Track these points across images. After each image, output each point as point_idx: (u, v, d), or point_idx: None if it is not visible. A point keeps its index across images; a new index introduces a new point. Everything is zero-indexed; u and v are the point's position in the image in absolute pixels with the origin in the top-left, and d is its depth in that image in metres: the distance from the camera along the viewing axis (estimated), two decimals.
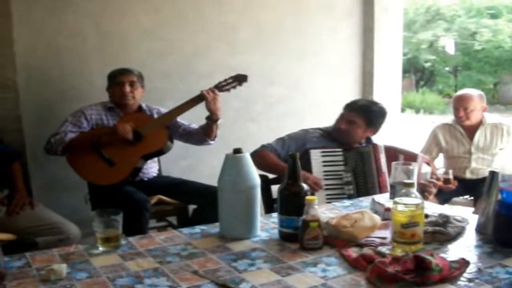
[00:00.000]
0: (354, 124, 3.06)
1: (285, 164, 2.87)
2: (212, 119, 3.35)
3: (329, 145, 3.02)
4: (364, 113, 3.08)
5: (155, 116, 3.45)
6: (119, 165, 3.22)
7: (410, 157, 2.94)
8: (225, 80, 3.41)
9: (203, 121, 3.41)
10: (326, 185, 2.87)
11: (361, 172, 2.94)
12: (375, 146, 3.00)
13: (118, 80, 3.32)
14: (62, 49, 3.69)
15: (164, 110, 3.50)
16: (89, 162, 3.20)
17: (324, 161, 2.93)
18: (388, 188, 2.80)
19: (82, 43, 3.75)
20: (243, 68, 4.18)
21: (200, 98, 3.31)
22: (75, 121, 3.25)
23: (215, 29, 4.22)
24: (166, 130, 3.36)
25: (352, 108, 3.12)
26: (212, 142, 3.50)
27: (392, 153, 2.98)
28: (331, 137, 3.13)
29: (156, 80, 3.94)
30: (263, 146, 3.08)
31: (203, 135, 3.44)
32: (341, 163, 2.94)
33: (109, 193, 3.16)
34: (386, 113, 3.18)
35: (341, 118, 3.13)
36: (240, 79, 3.43)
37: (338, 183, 2.92)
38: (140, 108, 3.45)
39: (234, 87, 3.43)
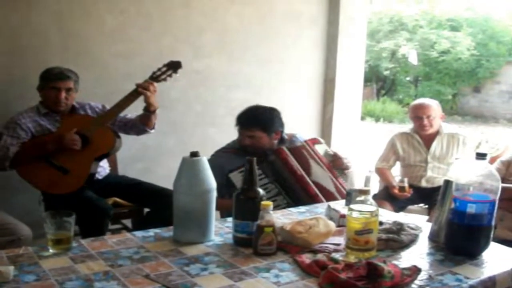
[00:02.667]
0: (256, 137, 2.97)
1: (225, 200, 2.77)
2: (150, 110, 3.25)
3: (243, 162, 2.88)
4: (258, 124, 2.97)
5: (89, 112, 3.35)
6: (74, 171, 3.11)
7: (305, 148, 2.96)
8: (159, 69, 3.27)
9: (139, 111, 3.34)
10: None
11: (282, 180, 2.85)
12: (277, 152, 2.90)
13: (54, 85, 3.16)
14: (24, 47, 3.60)
15: (94, 104, 3.40)
16: (42, 172, 3.09)
17: None
18: (313, 187, 2.82)
19: (45, 42, 3.66)
20: (207, 72, 4.18)
21: (138, 92, 3.18)
22: (11, 133, 3.10)
23: (180, 32, 4.19)
24: (111, 129, 3.27)
25: (245, 124, 3.01)
26: (152, 131, 3.41)
27: (298, 151, 2.93)
28: (243, 151, 2.97)
29: (119, 81, 3.88)
30: None
31: (141, 125, 3.34)
32: (262, 176, 2.83)
33: (65, 196, 3.06)
34: (277, 112, 3.08)
35: (241, 134, 3.04)
36: (174, 66, 3.28)
37: (269, 196, 2.77)
38: (73, 108, 3.31)
39: (170, 75, 3.28)
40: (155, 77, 3.25)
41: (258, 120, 2.99)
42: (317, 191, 2.83)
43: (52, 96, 3.18)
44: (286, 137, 3.15)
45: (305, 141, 3.02)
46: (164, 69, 3.28)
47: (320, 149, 3.03)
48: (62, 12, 3.69)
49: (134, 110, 3.35)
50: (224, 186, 2.86)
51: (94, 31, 3.83)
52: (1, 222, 2.79)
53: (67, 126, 3.15)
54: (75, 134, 3.07)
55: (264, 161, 2.87)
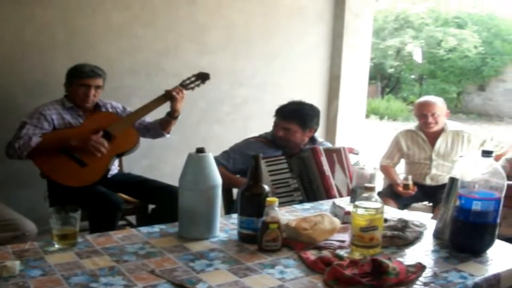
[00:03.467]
0: (291, 131, 3.03)
1: (238, 177, 2.94)
2: (173, 116, 3.36)
3: (273, 153, 2.96)
4: (297, 118, 3.03)
5: (110, 111, 3.40)
6: (92, 165, 3.14)
7: (339, 153, 2.98)
8: (189, 79, 3.40)
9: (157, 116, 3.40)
10: (276, 194, 2.74)
11: (306, 177, 2.87)
12: (314, 150, 2.91)
13: (85, 82, 3.20)
14: (29, 42, 3.61)
15: (115, 103, 3.45)
16: (59, 164, 3.11)
17: (269, 171, 2.85)
18: (335, 189, 2.84)
19: (50, 37, 3.67)
20: (211, 68, 4.15)
21: (167, 97, 3.30)
22: (35, 123, 3.12)
23: (185, 29, 4.20)
24: (135, 129, 3.34)
25: (283, 115, 3.06)
26: (168, 135, 3.52)
27: (329, 154, 2.96)
28: (274, 144, 3.09)
29: (123, 77, 3.90)
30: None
31: (160, 129, 3.44)
32: (287, 170, 2.87)
33: (71, 191, 3.09)
34: (318, 111, 3.15)
35: (276, 126, 3.09)
36: (203, 77, 3.43)
37: (286, 190, 2.84)
38: (97, 105, 3.35)
39: (198, 85, 3.42)
40: (184, 85, 3.39)
41: (298, 114, 3.04)
42: (337, 194, 2.84)
43: (81, 93, 3.22)
44: (318, 139, 3.22)
45: (343, 147, 3.04)
46: (193, 78, 3.42)
47: (353, 159, 3.06)
48: (68, 8, 3.70)
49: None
50: (246, 171, 2.89)
51: (99, 26, 3.84)
52: (6, 217, 2.79)
53: (91, 122, 3.22)
54: (101, 137, 3.13)
55: (293, 156, 2.92)
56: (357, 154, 3.15)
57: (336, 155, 2.95)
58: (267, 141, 3.12)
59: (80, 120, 3.25)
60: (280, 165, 2.88)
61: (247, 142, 3.13)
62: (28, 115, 3.17)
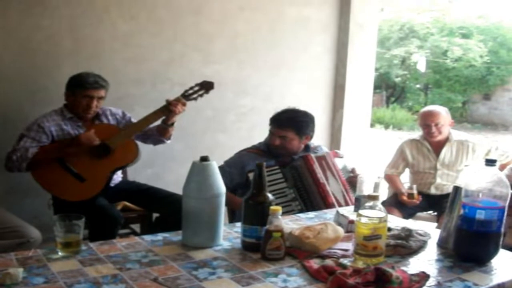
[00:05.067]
0: (287, 139, 2.98)
1: (236, 198, 2.86)
2: (167, 123, 3.30)
3: (268, 163, 2.84)
4: (293, 126, 2.99)
5: (110, 118, 3.33)
6: (90, 180, 3.10)
7: (325, 159, 2.95)
8: (191, 88, 3.29)
9: None
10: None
11: (302, 187, 2.84)
12: (306, 158, 2.88)
13: (88, 93, 3.14)
14: (36, 51, 3.63)
15: (115, 110, 3.39)
16: (58, 178, 3.08)
17: None
18: (332, 197, 2.82)
19: (57, 46, 3.70)
20: (217, 78, 4.16)
21: (168, 109, 3.20)
22: (33, 136, 3.09)
23: (191, 38, 4.21)
24: (134, 141, 3.26)
25: (279, 124, 3.01)
26: (168, 141, 3.46)
27: (320, 161, 2.92)
28: (268, 153, 3.04)
29: (128, 86, 3.91)
30: None
31: (159, 136, 3.38)
32: (282, 180, 2.84)
33: (76, 203, 3.03)
34: (312, 117, 3.10)
35: (272, 134, 3.04)
36: (206, 86, 3.30)
37: (284, 200, 2.80)
38: (97, 113, 3.28)
39: (201, 95, 3.30)
40: (187, 95, 3.27)
41: (294, 122, 3.01)
42: (335, 201, 2.82)
43: (83, 103, 3.16)
44: (311, 145, 3.17)
45: (326, 152, 3.04)
46: (196, 88, 3.30)
47: (339, 163, 3.04)
48: (74, 17, 3.73)
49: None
50: (243, 185, 2.90)
51: (105, 36, 3.86)
52: (10, 224, 2.80)
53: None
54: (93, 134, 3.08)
55: (287, 165, 2.89)
56: (342, 157, 3.11)
57: (324, 162, 2.93)
58: (259, 151, 3.09)
59: (80, 131, 3.19)
60: (275, 175, 2.85)
61: (240, 155, 3.10)
62: (26, 127, 3.14)
